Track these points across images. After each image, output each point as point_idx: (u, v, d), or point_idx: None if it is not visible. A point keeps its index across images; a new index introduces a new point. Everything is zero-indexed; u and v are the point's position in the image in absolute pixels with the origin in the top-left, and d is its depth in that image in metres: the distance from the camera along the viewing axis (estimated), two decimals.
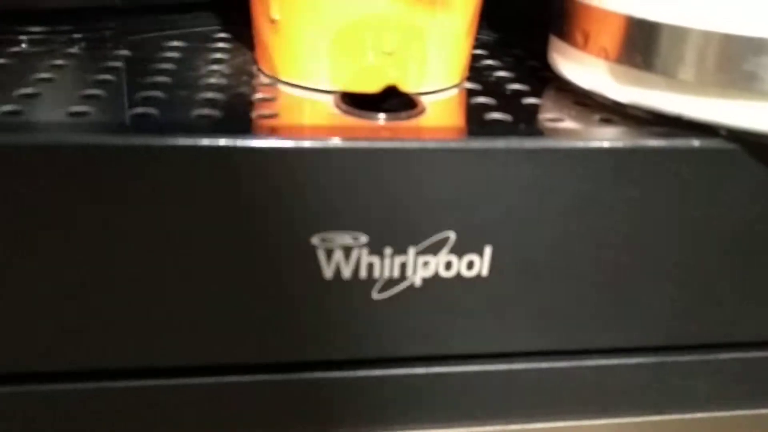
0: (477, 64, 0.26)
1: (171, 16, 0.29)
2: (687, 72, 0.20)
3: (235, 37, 0.27)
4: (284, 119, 0.20)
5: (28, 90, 0.21)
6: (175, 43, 0.26)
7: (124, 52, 0.25)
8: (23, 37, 0.26)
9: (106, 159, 0.17)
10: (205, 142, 0.18)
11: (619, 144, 0.20)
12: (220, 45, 0.26)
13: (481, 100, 0.23)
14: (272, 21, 0.22)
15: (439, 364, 0.21)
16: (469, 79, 0.25)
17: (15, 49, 0.25)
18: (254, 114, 0.21)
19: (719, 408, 0.24)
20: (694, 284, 0.21)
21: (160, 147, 0.18)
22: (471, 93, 0.24)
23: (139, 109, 0.20)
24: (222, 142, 0.18)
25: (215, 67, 0.24)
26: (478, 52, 0.27)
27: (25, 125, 0.19)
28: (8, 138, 0.17)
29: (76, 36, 0.26)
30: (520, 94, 0.24)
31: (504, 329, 0.21)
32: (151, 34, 0.27)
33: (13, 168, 0.17)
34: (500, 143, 0.19)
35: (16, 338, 0.19)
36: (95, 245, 0.18)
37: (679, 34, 0.20)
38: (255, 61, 0.25)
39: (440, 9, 0.22)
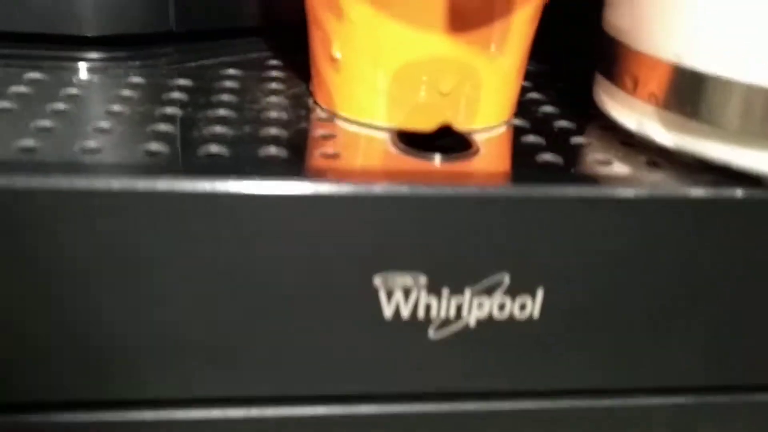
0: (522, 98, 0.27)
1: (225, 41, 0.30)
2: (733, 123, 0.21)
3: (288, 65, 0.28)
4: (345, 160, 0.21)
5: (101, 124, 0.22)
6: (232, 71, 0.27)
7: (184, 82, 0.26)
8: (81, 64, 0.27)
9: (188, 204, 0.18)
10: (277, 188, 0.19)
11: (665, 193, 0.20)
12: (275, 74, 0.27)
13: (531, 139, 0.24)
14: (333, 59, 0.23)
15: (490, 400, 0.22)
16: (516, 114, 0.25)
17: (76, 77, 0.26)
18: (317, 153, 0.21)
19: None
20: (736, 328, 0.22)
21: (232, 195, 0.18)
22: (519, 131, 0.24)
23: (212, 148, 0.21)
24: (292, 188, 0.19)
25: (273, 99, 0.25)
26: (523, 84, 0.28)
27: (112, 168, 0.19)
28: (109, 181, 0.18)
29: (132, 63, 0.27)
30: (567, 132, 0.24)
31: (552, 369, 0.22)
32: (207, 61, 0.28)
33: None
34: (556, 191, 0.20)
35: None
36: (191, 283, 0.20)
37: (727, 85, 0.21)
38: (310, 93, 0.25)
39: (495, 49, 0.23)
